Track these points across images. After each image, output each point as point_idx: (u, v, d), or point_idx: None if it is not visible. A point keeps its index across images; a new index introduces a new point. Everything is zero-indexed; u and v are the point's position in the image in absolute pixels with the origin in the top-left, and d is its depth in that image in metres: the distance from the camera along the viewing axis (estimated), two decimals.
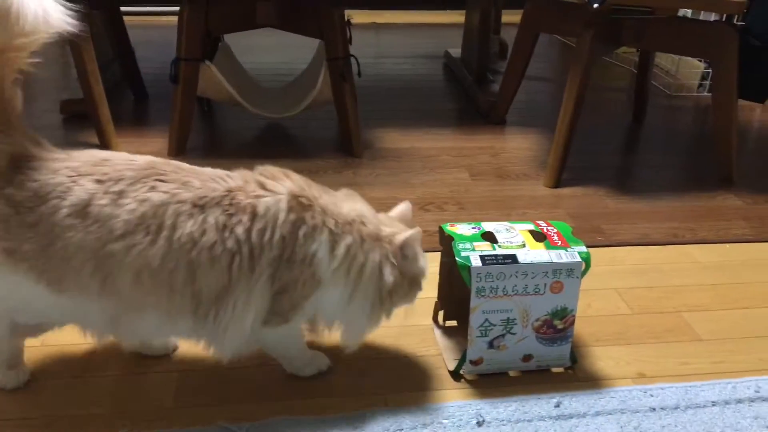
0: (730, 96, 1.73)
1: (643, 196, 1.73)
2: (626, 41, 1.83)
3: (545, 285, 1.02)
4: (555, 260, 1.01)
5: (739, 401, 1.04)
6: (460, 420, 0.98)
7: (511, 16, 2.08)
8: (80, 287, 0.88)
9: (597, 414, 1.01)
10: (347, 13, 2.17)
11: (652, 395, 1.04)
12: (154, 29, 3.21)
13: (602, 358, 1.12)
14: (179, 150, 1.83)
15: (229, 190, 0.91)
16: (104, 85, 1.83)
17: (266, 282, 0.91)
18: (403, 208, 1.07)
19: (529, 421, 0.99)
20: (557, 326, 1.05)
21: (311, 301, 0.96)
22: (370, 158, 1.90)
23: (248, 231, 0.90)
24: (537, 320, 1.04)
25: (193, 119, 1.86)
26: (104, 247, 0.86)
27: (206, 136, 2.05)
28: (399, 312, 1.03)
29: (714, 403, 1.03)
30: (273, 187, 0.93)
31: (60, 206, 0.86)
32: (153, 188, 0.88)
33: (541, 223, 1.11)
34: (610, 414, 1.01)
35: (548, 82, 2.72)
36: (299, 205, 0.93)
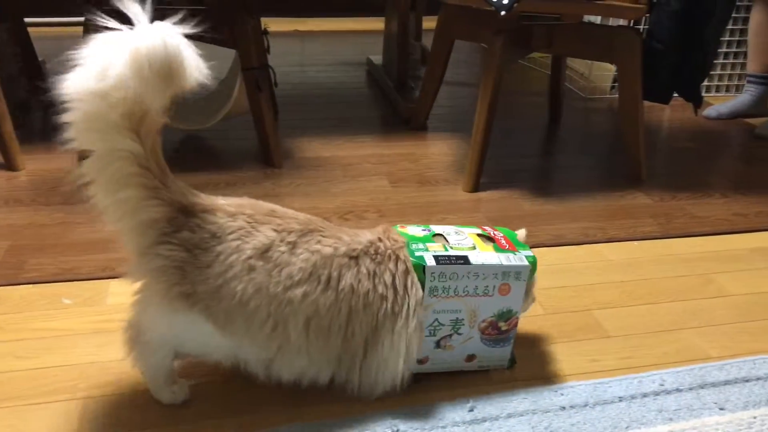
0: (636, 97, 1.80)
1: (557, 197, 1.78)
2: (536, 47, 1.88)
3: (494, 287, 1.03)
4: (504, 263, 1.03)
5: (645, 395, 1.07)
6: (375, 431, 0.98)
7: (433, 23, 2.10)
8: (249, 330, 0.92)
9: (509, 416, 1.02)
10: (265, 21, 2.15)
11: (562, 394, 1.07)
12: (68, 40, 3.10)
13: (516, 360, 1.14)
14: None
15: (371, 242, 1.01)
16: (10, 100, 1.75)
17: (417, 325, 1.00)
18: (521, 234, 1.14)
19: (443, 427, 0.99)
20: (501, 328, 1.07)
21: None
22: (289, 168, 1.89)
23: (393, 276, 0.99)
24: (483, 321, 1.05)
25: None
26: (284, 292, 0.92)
27: None
28: None
29: (621, 399, 1.06)
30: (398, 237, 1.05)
31: (243, 247, 0.91)
32: (319, 242, 0.96)
33: (487, 228, 1.13)
34: (522, 415, 1.02)
35: (470, 88, 2.76)
36: None
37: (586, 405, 1.05)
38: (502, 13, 1.57)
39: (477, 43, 3.21)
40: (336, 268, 0.96)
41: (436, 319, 1.03)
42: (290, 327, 0.93)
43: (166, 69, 0.82)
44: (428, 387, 1.07)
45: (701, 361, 1.16)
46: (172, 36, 0.83)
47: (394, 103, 2.45)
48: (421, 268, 1.00)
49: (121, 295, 1.28)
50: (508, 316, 1.06)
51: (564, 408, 1.04)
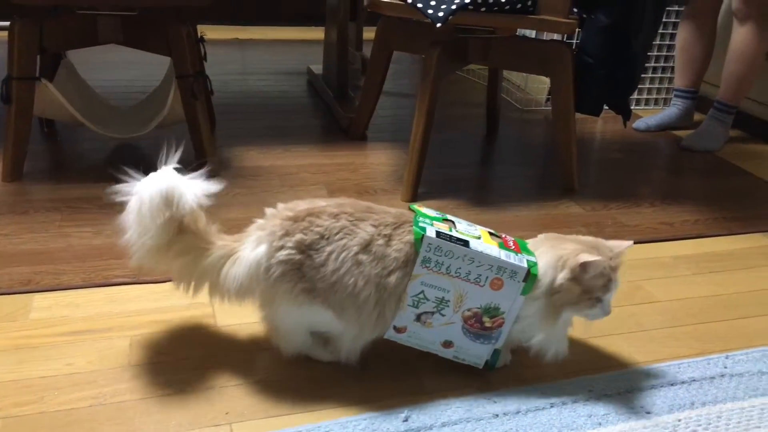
0: (568, 109, 1.85)
1: (494, 206, 1.81)
2: (472, 59, 1.91)
3: (487, 278, 1.04)
4: (503, 258, 1.03)
5: (575, 401, 1.09)
6: None
7: (374, 33, 2.11)
8: (360, 317, 1.03)
9: (443, 425, 1.03)
10: (202, 29, 2.12)
11: (495, 402, 1.08)
12: None
13: (451, 369, 1.14)
14: (14, 175, 1.70)
15: None
16: None
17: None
18: (626, 244, 1.11)
19: None
20: (485, 323, 1.07)
21: None
22: (227, 178, 1.85)
23: None
24: (468, 310, 1.06)
25: (28, 141, 1.74)
26: (382, 280, 1.02)
27: (48, 159, 1.91)
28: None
29: (552, 405, 1.08)
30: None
31: (349, 245, 1.02)
32: (410, 232, 1.04)
33: (501, 234, 1.14)
34: (456, 424, 1.03)
35: (410, 98, 2.78)
36: None
37: (518, 412, 1.06)
38: (438, 25, 1.59)
39: (415, 54, 3.25)
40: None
41: (422, 292, 1.04)
42: (387, 310, 1.04)
43: (166, 214, 1.02)
44: (363, 396, 1.07)
45: (629, 366, 1.19)
46: (166, 183, 1.03)
47: (334, 112, 2.45)
48: (420, 236, 1.01)
49: (45, 309, 1.23)
50: (494, 313, 1.07)
51: (497, 415, 1.05)
